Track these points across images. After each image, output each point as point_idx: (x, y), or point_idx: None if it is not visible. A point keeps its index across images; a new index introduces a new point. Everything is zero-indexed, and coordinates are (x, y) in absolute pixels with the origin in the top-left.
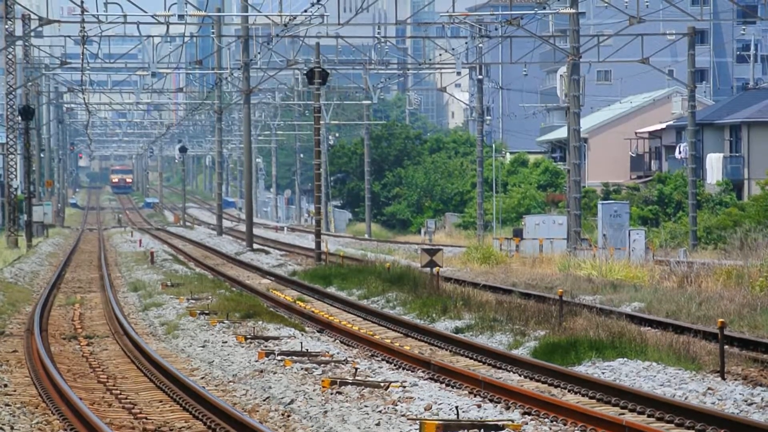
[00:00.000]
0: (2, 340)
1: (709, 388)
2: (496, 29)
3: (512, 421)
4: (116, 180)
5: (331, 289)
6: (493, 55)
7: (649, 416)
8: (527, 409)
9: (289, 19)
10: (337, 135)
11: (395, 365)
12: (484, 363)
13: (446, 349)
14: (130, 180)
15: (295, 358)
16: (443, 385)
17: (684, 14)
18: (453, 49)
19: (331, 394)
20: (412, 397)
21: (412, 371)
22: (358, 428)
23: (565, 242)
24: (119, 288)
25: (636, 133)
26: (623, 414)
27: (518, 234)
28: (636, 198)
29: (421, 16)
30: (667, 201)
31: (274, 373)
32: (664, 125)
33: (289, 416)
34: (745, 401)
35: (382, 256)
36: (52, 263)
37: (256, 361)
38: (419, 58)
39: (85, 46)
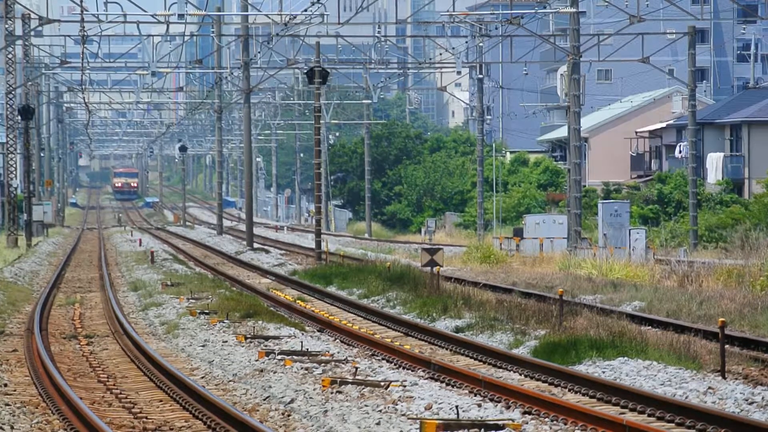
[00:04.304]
0: (2, 339)
1: (709, 388)
2: (497, 28)
3: (512, 420)
4: (119, 184)
5: (332, 289)
6: (494, 54)
7: (649, 416)
8: (527, 409)
9: (289, 19)
10: (337, 134)
11: (395, 364)
12: (484, 362)
13: (446, 349)
14: (136, 184)
15: (295, 357)
16: (443, 385)
17: (684, 13)
18: (453, 48)
19: (332, 393)
20: (412, 397)
21: (412, 370)
22: (359, 428)
23: (565, 241)
24: (119, 287)
25: (636, 132)
26: (624, 413)
27: (518, 233)
28: (636, 197)
29: (421, 15)
30: (668, 200)
31: (274, 372)
32: (664, 124)
33: (289, 416)
34: (746, 400)
35: (382, 255)
36: (52, 263)
37: (256, 361)
38: (419, 58)
39: (85, 45)
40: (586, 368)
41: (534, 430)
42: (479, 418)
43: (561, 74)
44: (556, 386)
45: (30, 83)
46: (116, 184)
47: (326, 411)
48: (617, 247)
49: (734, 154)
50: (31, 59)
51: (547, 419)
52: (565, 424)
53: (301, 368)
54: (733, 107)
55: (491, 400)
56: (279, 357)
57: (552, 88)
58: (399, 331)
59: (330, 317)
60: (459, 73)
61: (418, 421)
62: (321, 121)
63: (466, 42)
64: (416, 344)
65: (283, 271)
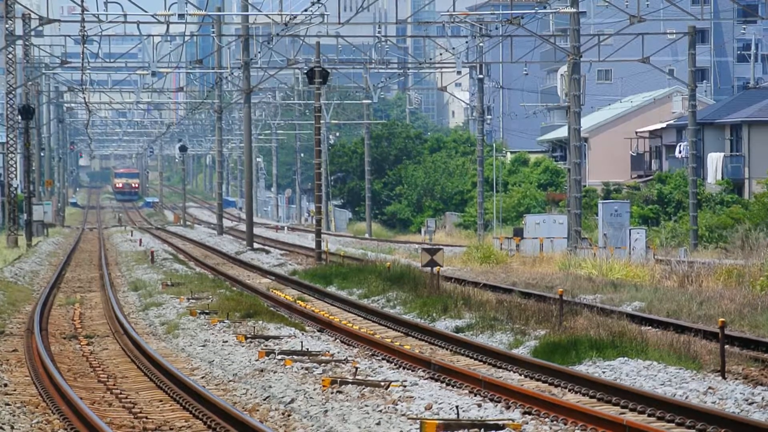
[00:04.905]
0: (2, 339)
1: (709, 388)
2: (497, 28)
3: (512, 420)
4: (120, 185)
5: (332, 289)
6: (494, 54)
7: (649, 416)
8: (528, 409)
9: (290, 19)
10: (337, 134)
11: (395, 364)
12: (484, 362)
13: (447, 349)
14: (137, 185)
15: (295, 357)
16: (444, 385)
17: (684, 13)
18: (453, 48)
19: (332, 393)
20: (412, 397)
21: (412, 370)
22: (359, 428)
23: (565, 241)
24: (119, 287)
25: (636, 132)
26: (624, 413)
27: (518, 233)
28: (636, 197)
29: (421, 15)
30: (668, 200)
31: (275, 372)
32: (664, 124)
33: (289, 416)
34: (746, 400)
35: (382, 255)
36: (52, 262)
37: (257, 361)
38: (420, 58)
39: (85, 45)
40: (586, 368)
41: (534, 430)
42: (479, 418)
43: (561, 74)
44: (556, 386)
45: (30, 83)
46: (117, 185)
47: (326, 411)
48: (617, 247)
49: (734, 154)
50: (31, 59)
51: (547, 419)
52: (565, 424)
53: (301, 368)
54: (733, 107)
55: (491, 400)
56: (279, 357)
57: (552, 88)
58: (399, 331)
59: (330, 317)
60: (459, 73)
61: (418, 421)
62: (321, 121)
63: (466, 42)
64: (416, 344)
65: (283, 271)
